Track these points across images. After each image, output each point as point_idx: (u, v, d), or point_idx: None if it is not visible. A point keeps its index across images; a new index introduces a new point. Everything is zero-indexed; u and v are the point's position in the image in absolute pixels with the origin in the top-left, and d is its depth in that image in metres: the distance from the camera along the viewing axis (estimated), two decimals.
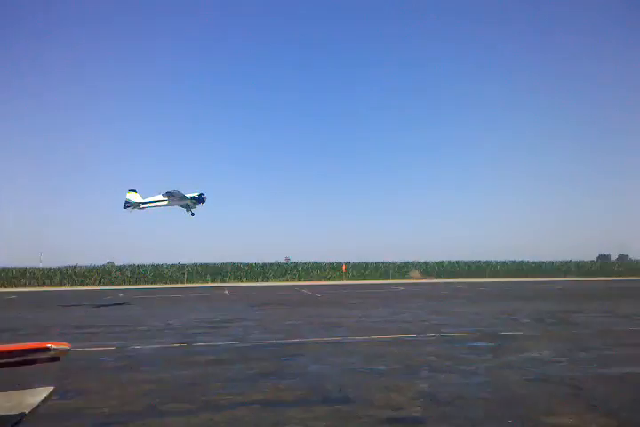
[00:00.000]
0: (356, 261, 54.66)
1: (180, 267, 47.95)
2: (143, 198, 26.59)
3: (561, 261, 57.69)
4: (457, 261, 55.99)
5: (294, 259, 56.47)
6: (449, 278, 49.51)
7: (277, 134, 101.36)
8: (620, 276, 53.39)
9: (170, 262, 49.31)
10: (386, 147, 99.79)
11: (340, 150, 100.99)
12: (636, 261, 63.08)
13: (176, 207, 26.61)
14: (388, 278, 49.65)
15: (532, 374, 6.39)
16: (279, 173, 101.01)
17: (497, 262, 56.23)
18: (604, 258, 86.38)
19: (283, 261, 55.99)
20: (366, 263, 53.94)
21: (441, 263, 55.25)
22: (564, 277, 51.81)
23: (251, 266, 49.92)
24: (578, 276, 52.78)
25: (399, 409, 4.96)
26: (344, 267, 50.22)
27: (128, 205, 26.23)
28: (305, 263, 52.93)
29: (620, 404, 5.03)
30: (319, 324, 12.07)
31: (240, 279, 47.10)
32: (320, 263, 52.93)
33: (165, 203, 26.67)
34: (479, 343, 8.85)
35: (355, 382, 6.13)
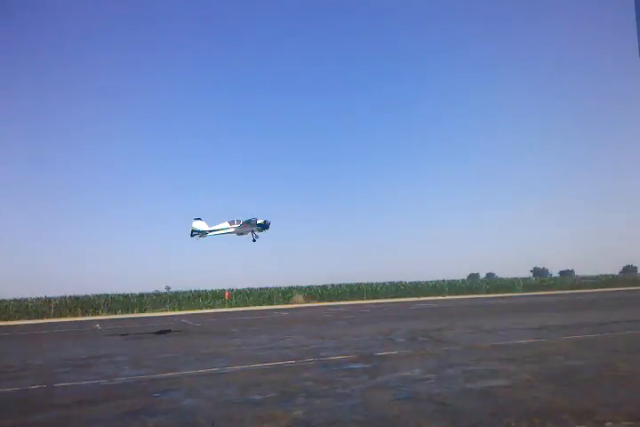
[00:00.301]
0: (241, 287, 53.97)
1: (47, 300, 44.21)
2: (209, 226, 25.86)
3: (435, 281, 61.03)
4: (340, 285, 57.17)
5: (175, 288, 54.43)
6: (332, 302, 50.29)
7: None
8: (487, 293, 57.54)
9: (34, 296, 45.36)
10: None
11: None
12: (501, 279, 68.65)
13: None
14: (272, 304, 49.40)
15: (402, 393, 6.57)
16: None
17: (377, 284, 58.18)
18: (473, 277, 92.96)
19: (162, 290, 53.74)
20: (250, 289, 53.34)
21: (324, 287, 56.08)
22: (439, 295, 54.77)
23: (126, 297, 47.27)
24: (450, 294, 56.02)
25: None
26: (227, 294, 49.24)
27: (195, 233, 25.38)
28: (185, 292, 51.17)
29: (480, 417, 5.30)
30: (196, 355, 11.63)
31: (115, 311, 44.36)
32: (202, 291, 51.45)
33: (232, 230, 26.10)
34: (356, 365, 8.99)
35: (228, 414, 5.93)
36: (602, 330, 12.88)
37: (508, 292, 58.47)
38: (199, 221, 26.24)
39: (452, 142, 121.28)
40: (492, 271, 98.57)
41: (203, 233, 26.18)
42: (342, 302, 48.20)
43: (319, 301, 51.68)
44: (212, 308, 46.87)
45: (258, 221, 26.07)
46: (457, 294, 55.98)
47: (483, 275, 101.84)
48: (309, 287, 55.62)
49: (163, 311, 44.33)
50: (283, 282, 59.80)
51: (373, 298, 53.15)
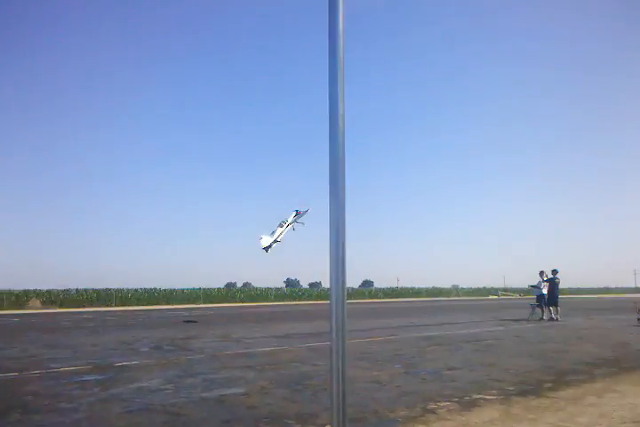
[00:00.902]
0: None
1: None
2: (271, 235, 22.47)
3: (191, 289, 60.47)
4: (85, 289, 52.93)
5: None
6: (76, 308, 46.19)
7: None
8: (242, 302, 58.97)
9: None
10: None
11: None
12: (256, 288, 71.35)
13: None
14: (3, 309, 43.37)
15: (135, 405, 6.25)
16: None
17: (129, 290, 55.32)
18: (230, 286, 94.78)
19: None
20: None
21: (67, 291, 51.32)
22: (194, 304, 54.25)
23: None
24: (206, 302, 55.98)
25: None
26: None
27: (266, 247, 22.01)
28: None
29: (210, 425, 5.29)
30: None
31: None
32: None
33: (291, 226, 23.30)
34: (89, 377, 8.30)
35: None
36: None
37: (263, 301, 60.84)
38: (264, 237, 24.93)
39: None
40: (249, 281, 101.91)
41: (273, 243, 24.52)
42: (87, 309, 44.61)
43: (60, 307, 47.02)
44: None
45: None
46: (212, 303, 56.22)
47: (240, 284, 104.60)
48: (49, 291, 50.34)
49: None
50: (17, 284, 52.96)
51: (123, 305, 50.31)
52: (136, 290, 55.87)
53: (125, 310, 40.19)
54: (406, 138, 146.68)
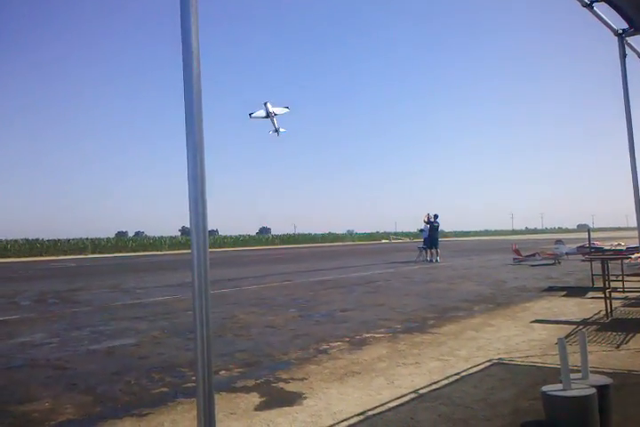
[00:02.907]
0: None
1: None
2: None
3: (78, 239, 57.62)
4: None
5: None
6: None
7: None
8: (135, 251, 57.06)
9: None
10: None
11: None
12: (150, 238, 69.27)
13: None
14: None
15: (16, 361, 5.91)
16: None
17: (7, 241, 51.64)
18: (121, 234, 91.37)
19: None
20: None
21: None
22: (81, 254, 51.80)
23: None
24: (94, 253, 53.64)
25: None
26: None
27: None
28: None
29: (101, 378, 5.12)
30: None
31: None
32: None
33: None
34: None
35: None
36: (227, 286, 14.05)
37: (156, 250, 59.29)
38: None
39: None
40: (142, 230, 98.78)
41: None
42: None
43: None
44: None
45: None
46: (102, 253, 53.99)
47: (131, 233, 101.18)
48: None
49: None
50: None
51: (2, 257, 46.99)
52: (16, 241, 52.22)
53: (4, 262, 37.61)
54: None
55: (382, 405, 3.99)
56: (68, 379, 5.11)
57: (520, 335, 6.46)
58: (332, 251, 42.72)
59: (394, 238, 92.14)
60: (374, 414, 3.79)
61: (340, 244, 76.02)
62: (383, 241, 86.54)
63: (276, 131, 29.43)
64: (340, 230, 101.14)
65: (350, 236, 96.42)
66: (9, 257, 46.20)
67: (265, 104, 27.57)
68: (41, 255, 49.15)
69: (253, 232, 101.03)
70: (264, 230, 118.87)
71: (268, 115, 28.24)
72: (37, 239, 54.34)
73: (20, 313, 9.83)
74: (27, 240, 53.37)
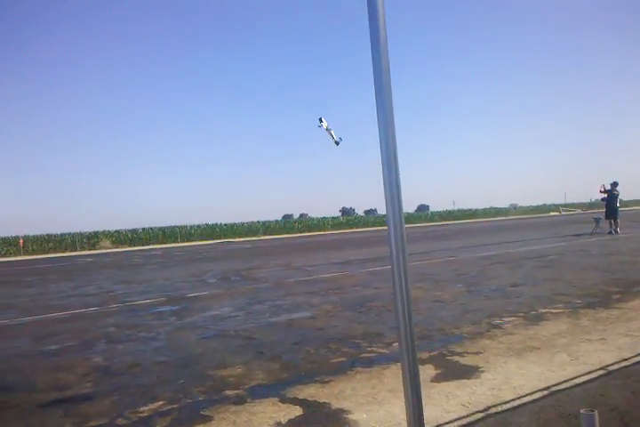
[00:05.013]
0: (39, 233, 49.36)
1: None
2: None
3: (250, 222, 62.17)
4: (151, 228, 55.27)
5: None
6: (144, 246, 48.54)
7: None
8: (300, 232, 60.21)
9: None
10: None
11: None
12: (313, 219, 72.42)
13: None
14: (76, 250, 46.11)
15: (210, 332, 6.60)
16: None
17: (191, 226, 57.41)
18: (287, 217, 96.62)
19: None
20: (49, 235, 49.05)
21: (135, 231, 53.77)
22: (254, 236, 55.88)
23: None
24: (265, 235, 57.54)
25: (67, 389, 4.56)
26: (21, 241, 44.66)
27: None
28: None
29: (284, 347, 5.54)
30: None
31: None
32: None
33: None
34: (164, 308, 8.80)
35: (18, 367, 5.42)
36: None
37: (320, 230, 61.89)
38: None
39: None
40: (305, 212, 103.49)
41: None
42: (155, 246, 46.80)
43: (129, 245, 49.51)
44: (3, 256, 42.24)
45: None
46: (271, 235, 57.72)
47: (296, 215, 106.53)
48: (117, 231, 52.89)
49: None
50: (88, 227, 56.01)
51: (188, 241, 52.41)
52: (198, 226, 57.87)
53: (190, 246, 41.93)
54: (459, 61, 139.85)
55: (567, 381, 3.80)
56: (255, 348, 5.61)
57: None
58: (494, 226, 40.98)
59: (564, 210, 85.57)
60: (559, 390, 3.63)
61: (503, 218, 72.54)
62: (552, 213, 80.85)
63: (337, 143, 29.65)
64: (503, 205, 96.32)
65: (514, 209, 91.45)
66: (193, 241, 51.45)
67: (320, 119, 27.98)
68: (219, 238, 54.00)
69: (411, 209, 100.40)
70: (422, 207, 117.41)
71: (327, 128, 28.47)
72: (216, 224, 59.68)
73: (209, 289, 10.94)
74: (207, 225, 58.84)
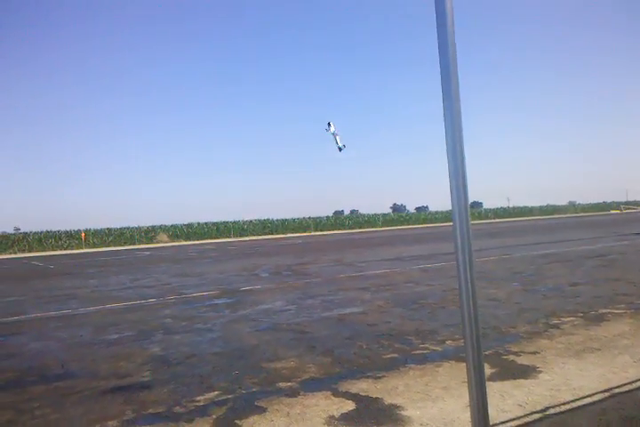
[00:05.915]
0: (99, 227, 51.39)
1: None
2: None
3: (302, 218, 62.62)
4: (206, 223, 56.52)
5: (25, 228, 50.49)
6: (199, 240, 49.71)
7: None
8: (351, 228, 60.24)
9: None
10: None
11: None
12: (364, 215, 72.25)
13: None
14: (135, 244, 47.71)
15: (263, 325, 6.70)
16: None
17: (244, 222, 58.37)
18: (338, 213, 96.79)
19: (10, 231, 49.60)
20: (109, 229, 50.97)
21: (190, 225, 55.14)
22: (305, 232, 56.32)
23: None
24: (316, 230, 57.90)
25: (126, 377, 4.72)
26: (83, 235, 46.58)
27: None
28: (37, 233, 47.61)
29: (335, 342, 5.56)
30: (48, 297, 10.93)
31: None
32: (55, 232, 48.21)
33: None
34: (218, 301, 9.00)
35: (80, 355, 5.66)
36: (447, 259, 14.04)
37: (371, 227, 61.71)
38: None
39: None
40: (356, 208, 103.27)
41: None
42: (209, 241, 47.88)
43: (185, 239, 50.84)
44: (66, 249, 44.20)
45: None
46: (322, 231, 58.01)
47: (347, 211, 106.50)
48: (174, 226, 54.38)
49: (11, 254, 40.97)
50: (146, 221, 57.85)
51: (240, 236, 53.37)
52: (250, 221, 58.78)
53: (242, 241, 42.66)
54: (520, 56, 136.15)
55: (630, 383, 3.66)
56: (307, 342, 5.66)
57: None
58: (552, 224, 39.73)
59: (625, 208, 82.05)
60: (622, 393, 3.50)
61: (561, 216, 70.22)
62: (612, 212, 77.68)
63: (339, 148, 29.41)
64: (561, 202, 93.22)
65: (573, 207, 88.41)
66: (246, 236, 52.34)
67: (329, 124, 27.95)
68: (272, 234, 54.69)
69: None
70: (476, 205, 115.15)
71: (333, 133, 28.29)
72: (267, 219, 60.46)
73: (261, 284, 11.10)
74: (259, 220, 59.67)
